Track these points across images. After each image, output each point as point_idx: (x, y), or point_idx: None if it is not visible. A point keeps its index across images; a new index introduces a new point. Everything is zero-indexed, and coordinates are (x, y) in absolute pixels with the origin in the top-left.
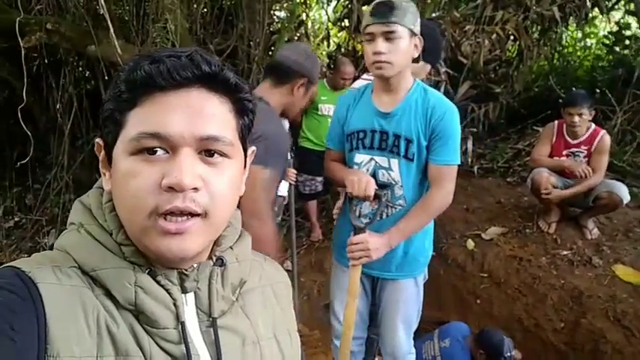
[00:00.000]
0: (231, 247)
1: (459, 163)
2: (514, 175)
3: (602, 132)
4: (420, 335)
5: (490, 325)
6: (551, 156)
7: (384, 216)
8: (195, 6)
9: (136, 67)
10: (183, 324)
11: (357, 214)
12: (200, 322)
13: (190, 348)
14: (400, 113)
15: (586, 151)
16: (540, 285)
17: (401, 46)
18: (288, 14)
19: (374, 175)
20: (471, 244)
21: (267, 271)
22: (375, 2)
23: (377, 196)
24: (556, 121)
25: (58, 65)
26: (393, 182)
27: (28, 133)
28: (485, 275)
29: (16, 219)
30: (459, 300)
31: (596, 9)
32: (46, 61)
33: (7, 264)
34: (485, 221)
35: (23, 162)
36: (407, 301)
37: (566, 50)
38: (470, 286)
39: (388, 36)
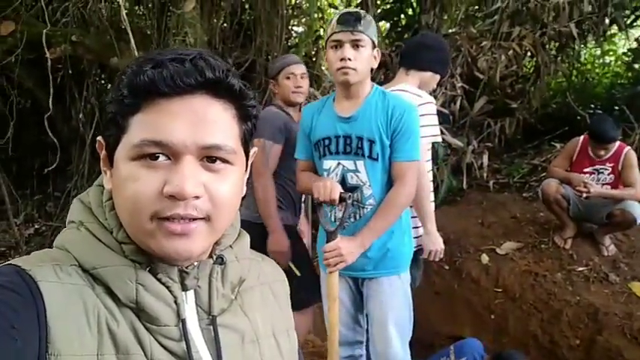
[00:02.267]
0: (230, 246)
1: (419, 159)
2: (530, 190)
3: (627, 148)
4: (435, 350)
5: (508, 348)
6: (572, 171)
7: (357, 217)
8: (215, 20)
9: (139, 72)
10: (184, 321)
11: (332, 218)
12: (200, 320)
13: (191, 345)
14: (361, 116)
15: (611, 168)
16: (556, 301)
17: (365, 55)
18: (306, 29)
19: (343, 179)
20: (485, 258)
21: (266, 270)
22: (342, 12)
23: (342, 199)
24: (581, 137)
25: (81, 77)
26: (361, 183)
27: (55, 141)
28: (500, 290)
29: (36, 226)
30: (473, 315)
31: (615, 26)
32: (69, 72)
33: (8, 262)
34: (500, 236)
35: (46, 169)
36: (393, 299)
37: (584, 67)
38: (484, 301)
39: (355, 43)
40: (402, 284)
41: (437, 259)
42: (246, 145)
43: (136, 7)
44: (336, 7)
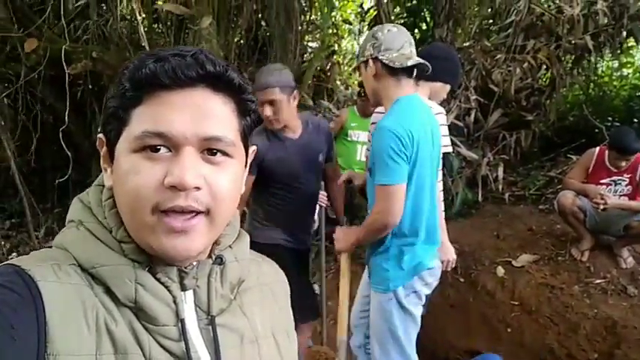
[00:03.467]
0: (230, 246)
1: (390, 183)
2: (546, 202)
3: None
4: None
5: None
6: (588, 183)
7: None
8: (231, 36)
9: (141, 66)
10: (183, 321)
11: None
12: (199, 320)
13: (190, 345)
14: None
15: (628, 179)
16: (573, 314)
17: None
18: (320, 44)
19: None
20: (500, 271)
21: (265, 271)
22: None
23: None
24: (597, 148)
25: (100, 92)
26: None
27: (69, 154)
28: (516, 303)
29: None
30: (488, 328)
31: (632, 38)
32: (90, 87)
33: (7, 262)
34: (516, 248)
35: (61, 180)
36: (374, 313)
37: (602, 80)
38: (500, 314)
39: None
40: (382, 302)
41: (449, 269)
42: (246, 140)
43: (155, 25)
44: (350, 23)
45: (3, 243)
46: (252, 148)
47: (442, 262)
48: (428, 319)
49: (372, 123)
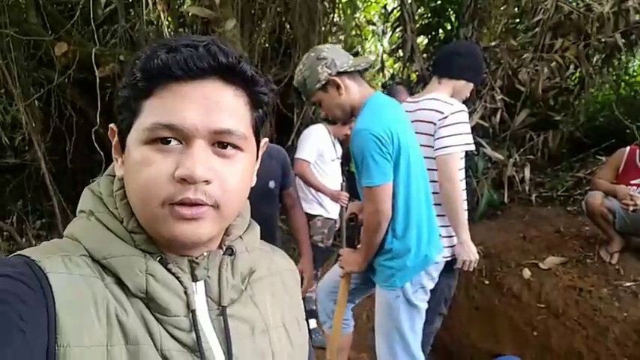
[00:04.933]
0: (240, 237)
1: (375, 184)
2: (575, 204)
3: None
4: None
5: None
6: (618, 183)
7: None
8: (255, 38)
9: (153, 56)
10: (194, 312)
11: None
12: (210, 311)
13: (201, 336)
14: None
15: None
16: (601, 317)
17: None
18: (343, 45)
19: None
20: (527, 273)
21: (276, 261)
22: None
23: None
24: (628, 148)
25: None
26: None
27: (102, 155)
28: (543, 306)
29: None
30: (514, 331)
31: None
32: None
33: (17, 252)
34: (543, 250)
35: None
36: (379, 308)
37: (633, 79)
38: (526, 317)
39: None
40: (389, 300)
41: (471, 269)
42: (257, 132)
43: (181, 29)
44: (374, 24)
45: (34, 243)
46: (264, 141)
47: (464, 262)
48: (452, 321)
49: None
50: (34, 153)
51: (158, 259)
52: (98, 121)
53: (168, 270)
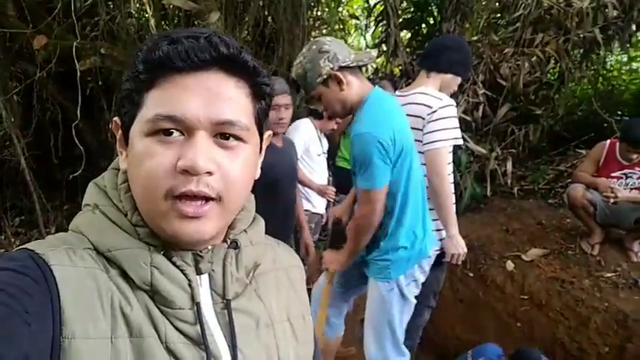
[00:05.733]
0: (245, 231)
1: (374, 188)
2: (556, 196)
3: None
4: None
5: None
6: (599, 176)
7: None
8: (238, 32)
9: (155, 48)
10: (198, 305)
11: None
12: (214, 304)
13: (205, 329)
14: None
15: None
16: (583, 308)
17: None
18: None
19: None
20: (510, 265)
21: (281, 255)
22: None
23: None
24: (608, 141)
25: (109, 89)
26: None
27: (82, 150)
28: (526, 297)
29: None
30: (498, 322)
31: None
32: (99, 83)
33: (22, 246)
34: (525, 243)
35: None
36: (371, 301)
37: (611, 74)
38: (510, 309)
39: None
40: (383, 292)
41: (459, 263)
42: (261, 124)
43: (163, 22)
44: (357, 18)
45: (13, 240)
46: (268, 133)
47: (452, 256)
48: (437, 313)
49: None
50: (14, 149)
51: (162, 252)
52: (79, 115)
53: (173, 263)
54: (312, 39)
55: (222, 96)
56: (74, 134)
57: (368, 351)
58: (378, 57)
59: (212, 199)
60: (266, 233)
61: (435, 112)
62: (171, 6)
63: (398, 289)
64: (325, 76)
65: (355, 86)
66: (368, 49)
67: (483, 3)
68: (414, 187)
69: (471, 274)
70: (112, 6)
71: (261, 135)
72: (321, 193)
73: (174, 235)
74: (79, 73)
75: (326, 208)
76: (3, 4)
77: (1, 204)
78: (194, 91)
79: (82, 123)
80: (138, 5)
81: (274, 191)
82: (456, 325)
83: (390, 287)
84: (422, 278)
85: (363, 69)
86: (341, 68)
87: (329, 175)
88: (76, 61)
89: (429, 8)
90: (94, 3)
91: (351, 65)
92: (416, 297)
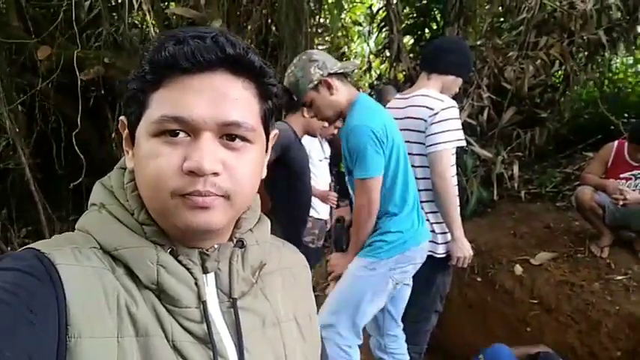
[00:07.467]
0: (251, 230)
1: (369, 176)
2: (564, 199)
3: None
4: None
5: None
6: (607, 177)
7: None
8: (241, 40)
9: (161, 48)
10: (205, 303)
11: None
12: (220, 303)
13: (212, 327)
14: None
15: None
16: (594, 311)
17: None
18: (330, 46)
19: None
20: (519, 269)
21: (287, 255)
22: None
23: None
24: (616, 142)
25: (113, 99)
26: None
27: (82, 158)
28: (535, 301)
29: None
30: (507, 327)
31: None
32: (102, 92)
33: (27, 246)
34: (533, 246)
35: (75, 187)
36: (347, 275)
37: (616, 76)
38: (519, 313)
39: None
40: (364, 265)
41: (465, 266)
42: (267, 124)
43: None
44: (360, 25)
45: (19, 251)
46: (274, 132)
47: (458, 259)
48: (446, 318)
49: None
50: (18, 159)
51: (169, 250)
52: (79, 124)
53: (179, 262)
54: (315, 46)
55: (228, 97)
56: (75, 144)
57: (320, 316)
58: (381, 63)
59: (220, 196)
60: (291, 221)
61: (436, 113)
62: (174, 15)
63: (380, 270)
64: (316, 82)
65: (343, 91)
66: (371, 56)
67: (486, 7)
68: (411, 177)
69: (479, 279)
70: (115, 16)
71: (267, 134)
72: (324, 198)
73: (183, 227)
74: (81, 84)
75: (330, 214)
76: (7, 16)
77: (7, 215)
78: (200, 92)
79: (87, 133)
80: (141, 15)
81: (304, 181)
82: (464, 330)
83: (373, 266)
84: (411, 271)
85: (367, 75)
86: (330, 75)
87: (332, 181)
88: (76, 70)
89: (432, 13)
90: (97, 13)
91: (338, 72)
92: (423, 302)
